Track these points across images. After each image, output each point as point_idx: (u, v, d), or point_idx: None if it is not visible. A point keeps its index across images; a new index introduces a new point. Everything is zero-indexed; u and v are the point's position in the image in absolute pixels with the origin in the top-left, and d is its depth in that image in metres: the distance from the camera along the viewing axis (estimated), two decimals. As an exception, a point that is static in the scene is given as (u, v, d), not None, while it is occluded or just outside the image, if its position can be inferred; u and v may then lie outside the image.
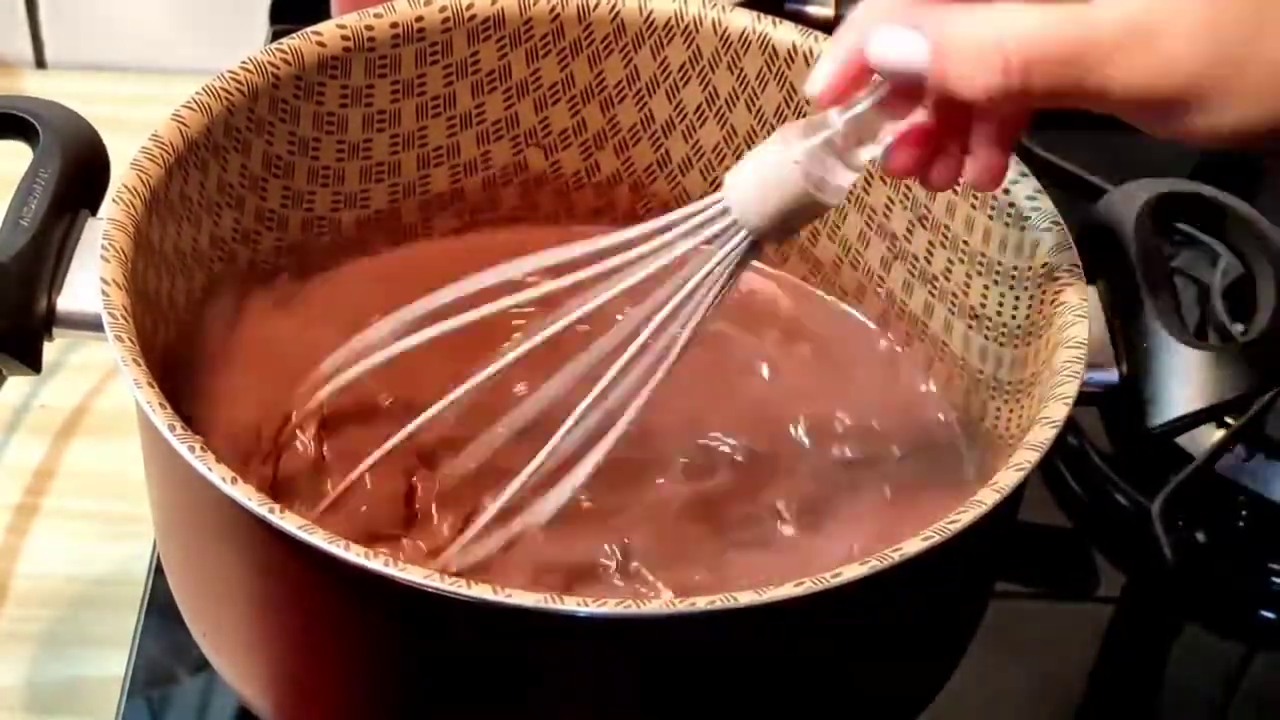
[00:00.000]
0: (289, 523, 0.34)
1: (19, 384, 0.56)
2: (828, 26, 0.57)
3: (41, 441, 0.55)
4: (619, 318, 0.40)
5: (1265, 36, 0.33)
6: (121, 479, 0.53)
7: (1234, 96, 0.33)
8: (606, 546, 0.42)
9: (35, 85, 0.69)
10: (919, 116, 0.37)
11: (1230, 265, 0.53)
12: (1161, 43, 0.33)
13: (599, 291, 0.39)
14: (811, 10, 0.59)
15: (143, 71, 0.69)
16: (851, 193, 0.47)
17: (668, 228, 0.39)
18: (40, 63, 0.70)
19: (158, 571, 0.49)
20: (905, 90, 0.36)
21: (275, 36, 0.66)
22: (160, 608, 0.48)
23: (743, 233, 0.38)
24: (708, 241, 0.38)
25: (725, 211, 0.38)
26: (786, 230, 0.38)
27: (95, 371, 0.57)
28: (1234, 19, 0.33)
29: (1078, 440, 0.53)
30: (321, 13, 0.53)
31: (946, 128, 0.37)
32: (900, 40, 0.35)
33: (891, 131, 0.37)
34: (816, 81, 0.37)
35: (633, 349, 0.39)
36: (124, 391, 0.56)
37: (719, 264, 0.38)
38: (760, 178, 0.37)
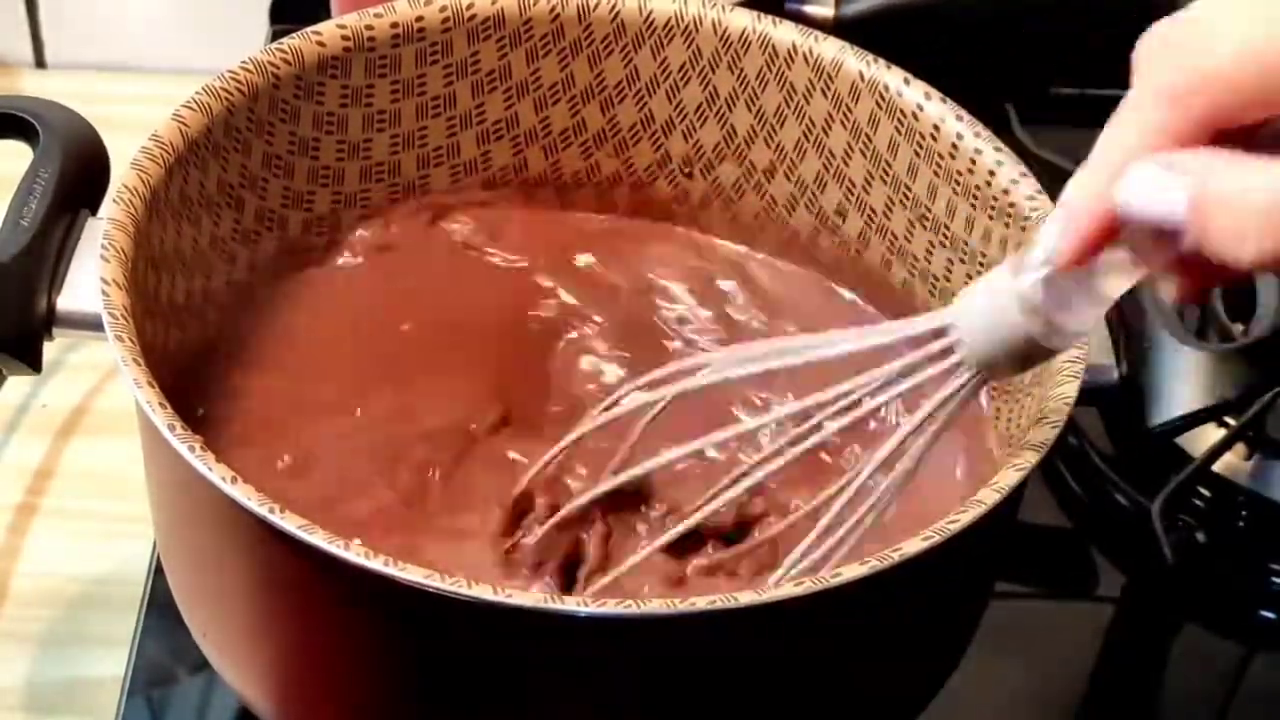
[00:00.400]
0: (289, 522, 0.34)
1: (19, 384, 0.56)
2: (828, 26, 0.57)
3: (42, 441, 0.55)
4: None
5: None
6: (121, 479, 0.53)
7: None
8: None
9: (35, 85, 0.69)
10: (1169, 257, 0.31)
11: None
12: None
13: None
14: (811, 10, 0.59)
15: (143, 71, 0.69)
16: (851, 192, 0.47)
17: (887, 358, 0.35)
18: (40, 63, 0.70)
19: (158, 571, 0.49)
20: (1159, 238, 0.30)
21: (275, 36, 0.66)
22: (160, 608, 0.48)
23: (971, 372, 0.34)
24: (932, 370, 0.34)
25: (953, 347, 0.34)
26: (1020, 367, 0.34)
27: (95, 371, 0.57)
28: None
29: (1078, 440, 0.53)
30: (321, 13, 0.53)
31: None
32: (1156, 186, 0.29)
33: (1139, 266, 0.32)
34: (1052, 242, 0.31)
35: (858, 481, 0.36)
36: (124, 391, 0.56)
37: (942, 398, 0.35)
38: (983, 308, 0.33)
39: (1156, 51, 0.31)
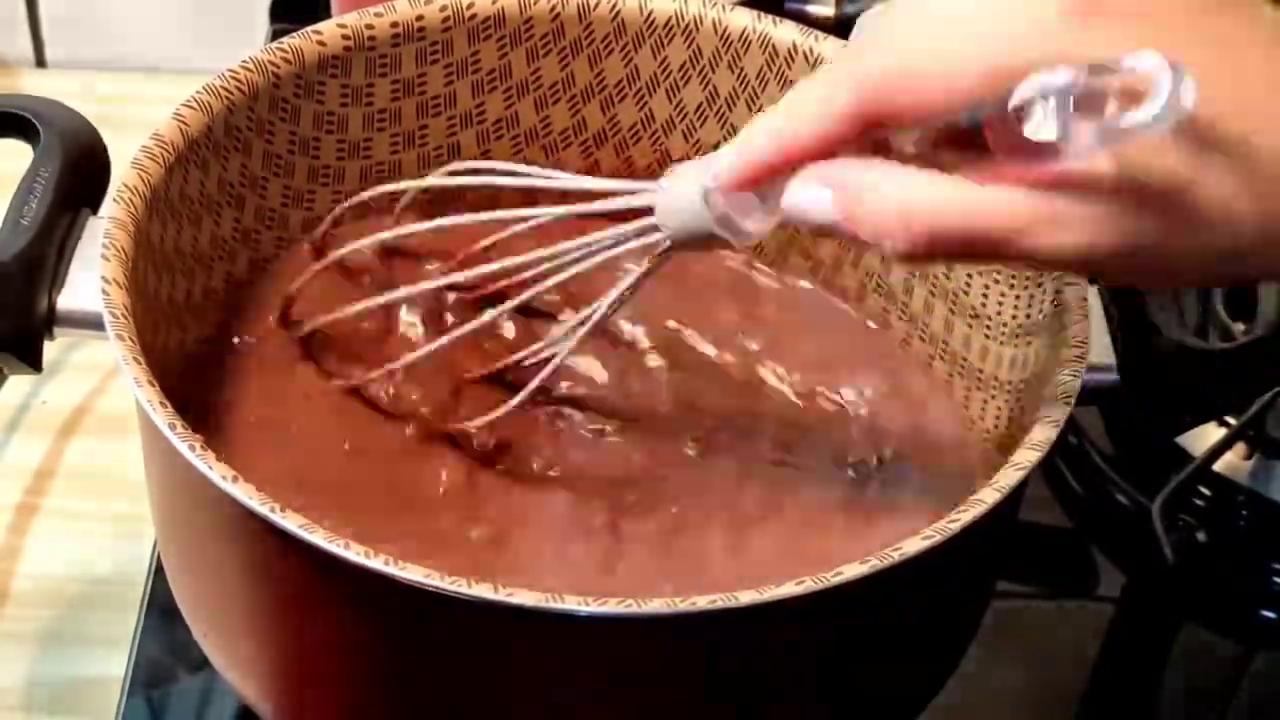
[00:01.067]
0: (289, 522, 0.34)
1: (19, 383, 0.56)
2: (828, 26, 0.57)
3: (42, 441, 0.55)
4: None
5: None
6: (122, 479, 0.53)
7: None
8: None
9: (35, 84, 0.69)
10: None
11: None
12: (1071, 233, 0.32)
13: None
14: (812, 10, 0.59)
15: (143, 71, 0.69)
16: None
17: (603, 195, 0.40)
18: (40, 62, 0.70)
19: (158, 571, 0.49)
20: None
21: (275, 36, 0.66)
22: (160, 607, 0.48)
23: (661, 237, 0.38)
24: (630, 227, 0.39)
25: (656, 226, 0.38)
26: (700, 246, 0.38)
27: (96, 371, 0.57)
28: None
29: (1078, 440, 0.53)
30: (321, 12, 0.53)
31: None
32: (813, 197, 0.34)
33: None
34: (717, 169, 0.36)
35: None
36: (124, 391, 0.56)
37: (634, 252, 0.39)
38: (677, 191, 0.37)
39: (862, 32, 0.35)
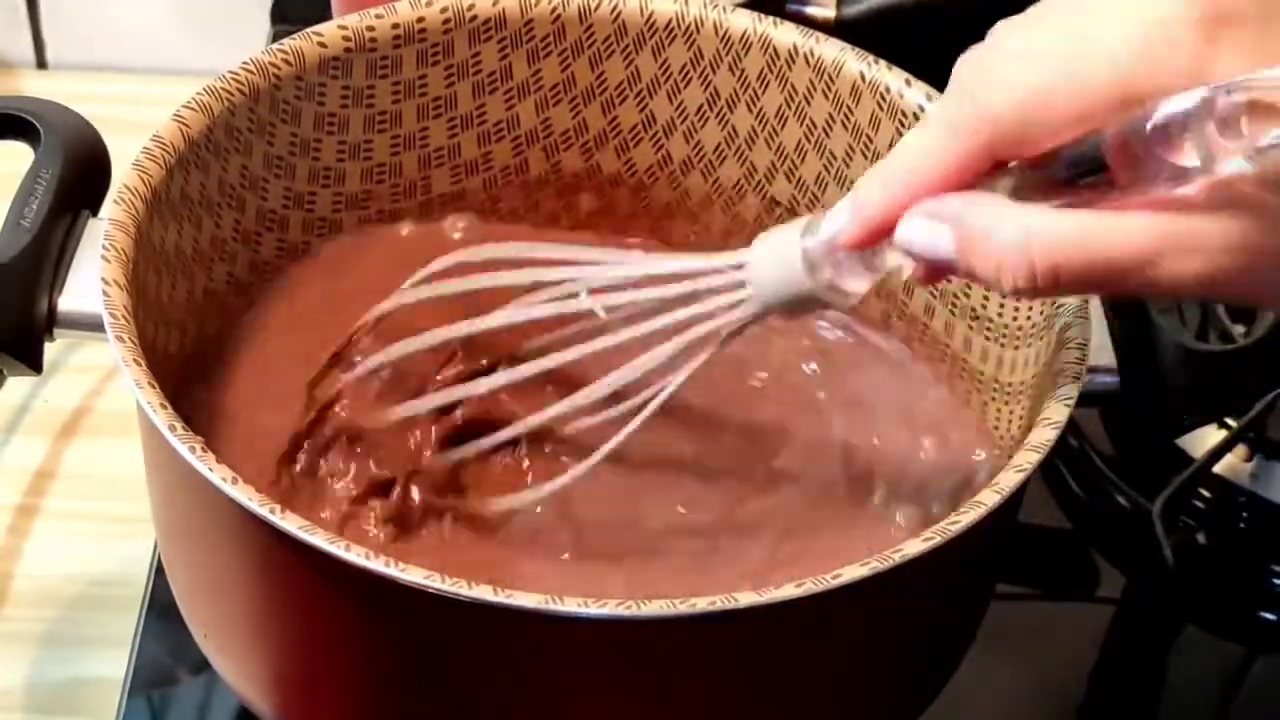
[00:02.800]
0: (290, 523, 0.34)
1: (19, 384, 0.56)
2: (828, 28, 0.57)
3: (42, 442, 0.55)
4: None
5: None
6: (122, 480, 0.53)
7: None
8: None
9: (36, 86, 0.69)
10: None
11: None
12: (1201, 256, 0.31)
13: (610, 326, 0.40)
14: (813, 11, 0.59)
15: (143, 72, 0.69)
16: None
17: (689, 276, 0.38)
18: (41, 63, 0.70)
19: (158, 572, 0.49)
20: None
21: (275, 37, 0.66)
22: (160, 608, 0.48)
23: (753, 303, 0.37)
24: (722, 299, 0.38)
25: (744, 281, 0.37)
26: (794, 312, 0.38)
27: (95, 372, 0.57)
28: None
29: (1078, 441, 0.53)
30: (322, 13, 0.53)
31: None
32: (927, 233, 0.34)
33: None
34: (833, 226, 0.36)
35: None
36: (124, 392, 0.56)
37: (723, 324, 0.38)
38: (773, 256, 0.37)
39: (964, 76, 0.34)
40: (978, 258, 0.33)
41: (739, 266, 0.38)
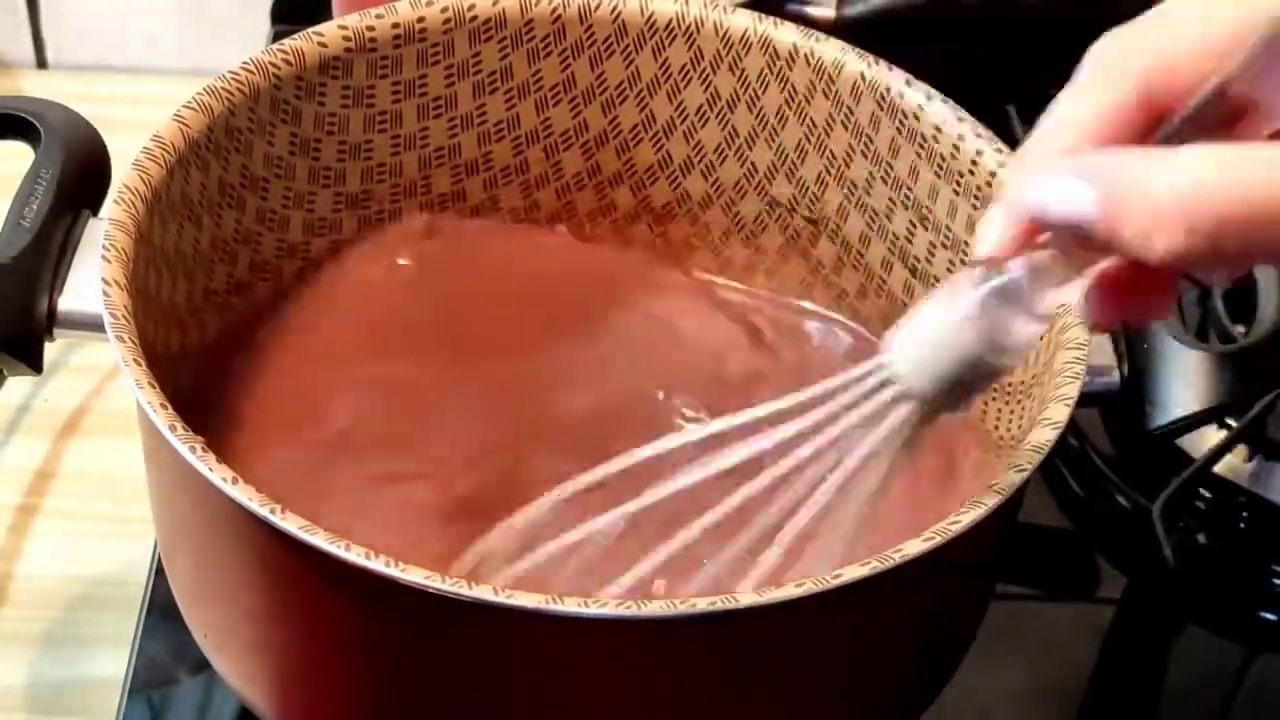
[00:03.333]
0: (290, 523, 0.34)
1: (19, 385, 0.56)
2: (828, 27, 0.57)
3: (42, 442, 0.55)
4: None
5: None
6: (121, 480, 0.53)
7: None
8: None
9: (36, 86, 0.69)
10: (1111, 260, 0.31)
11: (1231, 267, 0.53)
12: None
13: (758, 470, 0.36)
14: (813, 11, 0.59)
15: (143, 72, 0.69)
16: (852, 194, 0.47)
17: (828, 397, 0.34)
18: (41, 63, 0.70)
19: (158, 572, 0.49)
20: (1081, 241, 0.30)
21: (276, 37, 0.66)
22: (160, 608, 0.48)
23: (912, 403, 0.33)
24: (871, 417, 0.34)
25: (888, 380, 0.33)
26: (956, 400, 0.33)
27: (95, 373, 0.57)
28: None
29: (1078, 441, 0.53)
30: (322, 13, 0.53)
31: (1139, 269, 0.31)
32: (1063, 190, 0.29)
33: (1080, 274, 0.31)
34: (987, 241, 0.31)
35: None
36: (124, 393, 0.56)
37: (884, 439, 0.34)
38: (925, 339, 0.33)
39: (1108, 45, 0.31)
40: (1125, 214, 0.28)
41: (879, 367, 0.34)
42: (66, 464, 0.55)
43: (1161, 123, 0.30)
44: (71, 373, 0.57)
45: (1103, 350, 0.41)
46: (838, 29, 0.58)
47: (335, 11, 0.57)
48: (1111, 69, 0.30)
